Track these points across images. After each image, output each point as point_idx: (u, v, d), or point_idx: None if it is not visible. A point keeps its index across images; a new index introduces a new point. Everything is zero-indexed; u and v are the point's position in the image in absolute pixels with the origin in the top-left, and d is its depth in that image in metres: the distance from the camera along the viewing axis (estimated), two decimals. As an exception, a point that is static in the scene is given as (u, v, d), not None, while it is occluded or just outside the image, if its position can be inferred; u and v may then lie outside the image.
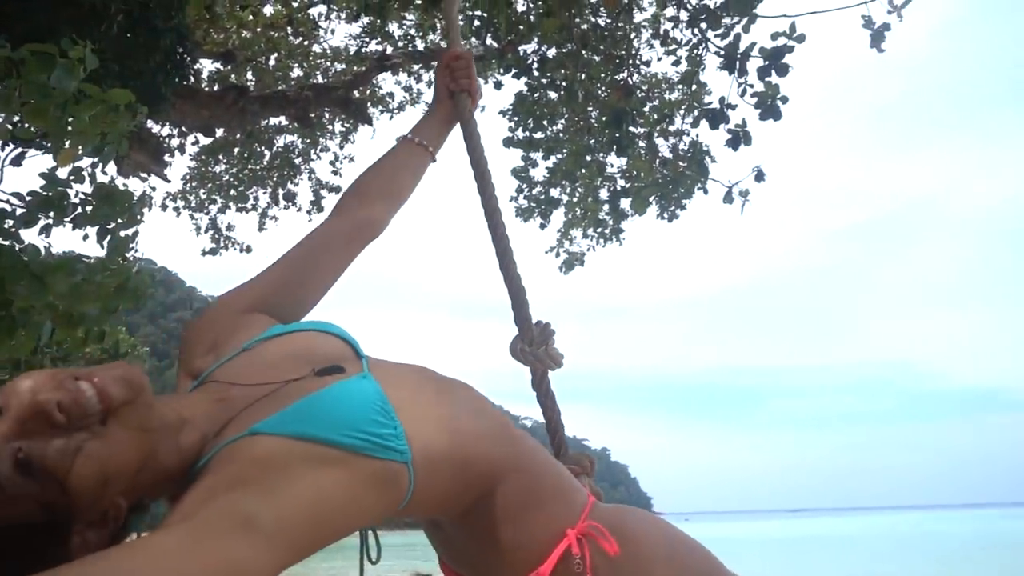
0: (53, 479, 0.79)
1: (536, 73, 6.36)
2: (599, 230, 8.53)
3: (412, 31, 9.16)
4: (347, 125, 10.66)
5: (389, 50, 9.30)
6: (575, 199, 8.37)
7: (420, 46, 9.17)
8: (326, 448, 0.87)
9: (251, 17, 8.70)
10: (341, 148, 10.87)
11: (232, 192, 10.60)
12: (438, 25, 8.81)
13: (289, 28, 9.18)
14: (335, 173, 10.94)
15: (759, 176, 5.72)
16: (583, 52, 6.25)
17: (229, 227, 10.86)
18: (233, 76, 9.37)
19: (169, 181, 9.18)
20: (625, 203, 7.77)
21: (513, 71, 6.47)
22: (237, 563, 0.74)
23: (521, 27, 6.07)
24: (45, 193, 2.68)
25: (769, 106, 4.91)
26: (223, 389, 1.00)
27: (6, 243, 2.58)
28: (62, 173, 2.70)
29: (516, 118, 7.33)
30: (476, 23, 8.12)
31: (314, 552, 0.85)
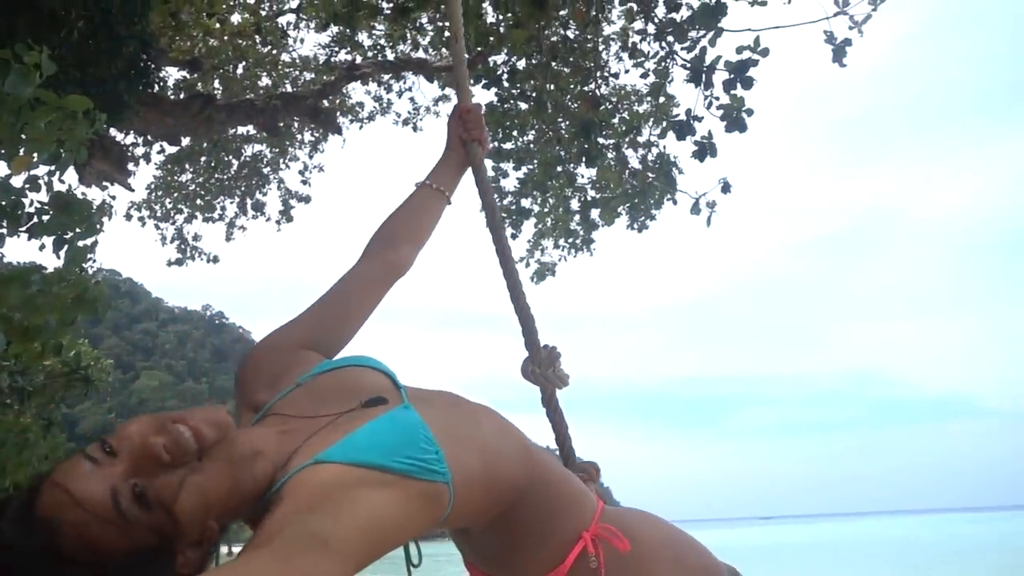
0: (163, 509, 0.95)
1: (506, 84, 6.38)
2: (570, 240, 8.56)
3: (382, 41, 9.13)
4: (316, 135, 10.58)
5: (359, 60, 9.27)
6: (546, 210, 8.39)
7: (390, 56, 9.15)
8: (381, 473, 1.01)
9: (218, 25, 8.60)
10: (310, 157, 10.78)
11: (199, 201, 10.43)
12: (408, 35, 8.81)
13: (257, 37, 9.09)
14: (304, 183, 10.85)
15: (725, 188, 5.79)
16: (552, 64, 6.29)
17: (196, 237, 10.69)
18: (200, 84, 9.24)
19: (133, 190, 9.01)
20: (596, 214, 7.81)
21: (483, 82, 6.48)
22: (316, 575, 0.87)
23: (491, 38, 6.09)
24: (-1, 202, 2.60)
25: (735, 118, 4.98)
26: (285, 421, 1.14)
27: (-43, 253, 2.50)
28: (16, 181, 2.63)
29: (486, 128, 7.32)
30: (446, 34, 8.15)
31: (374, 561, 0.97)
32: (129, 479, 0.94)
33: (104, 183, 8.78)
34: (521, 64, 6.40)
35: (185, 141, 9.52)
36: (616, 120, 7.11)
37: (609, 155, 6.94)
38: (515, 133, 7.34)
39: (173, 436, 0.96)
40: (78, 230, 2.70)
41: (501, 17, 5.84)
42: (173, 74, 9.09)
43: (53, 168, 2.72)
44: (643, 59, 6.21)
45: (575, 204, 8.04)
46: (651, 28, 5.87)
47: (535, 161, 7.41)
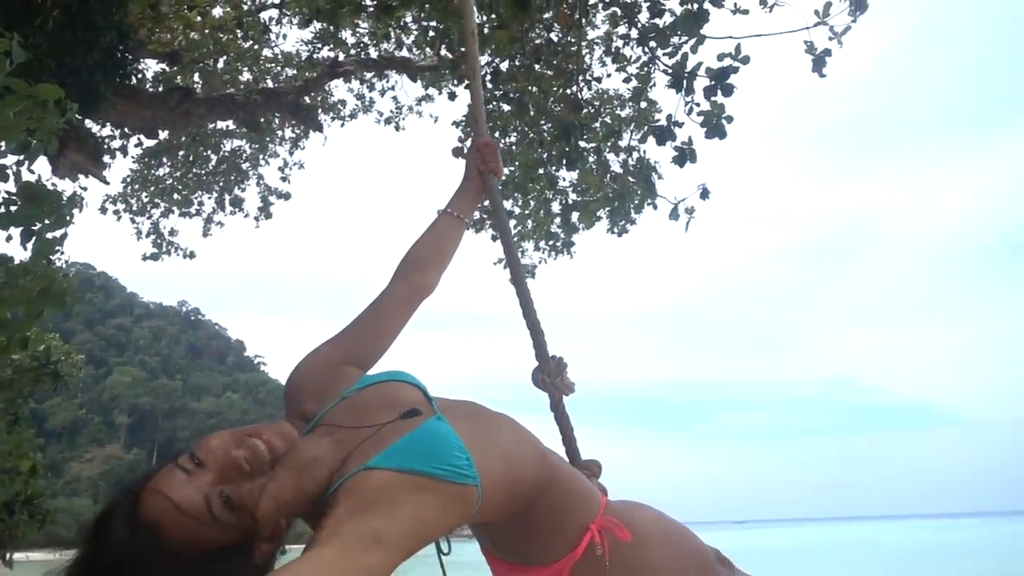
0: (246, 511, 1.13)
1: (489, 85, 6.37)
2: (550, 243, 8.57)
3: (365, 39, 9.08)
4: (297, 131, 10.49)
5: (341, 57, 9.20)
6: (527, 212, 8.39)
7: (373, 54, 9.10)
8: (422, 478, 1.18)
9: (199, 18, 8.49)
10: (291, 154, 10.69)
11: (176, 196, 10.30)
12: (391, 34, 8.76)
13: (239, 31, 8.99)
14: (284, 179, 10.75)
15: (704, 194, 5.83)
16: (535, 66, 6.28)
17: (172, 232, 10.55)
18: (179, 78, 9.12)
19: (108, 183, 8.86)
20: (576, 216, 7.82)
21: (466, 82, 6.46)
22: (372, 567, 1.05)
23: (474, 39, 6.07)
24: (-35, 191, 2.54)
25: (715, 125, 5.00)
26: (336, 431, 1.30)
27: (-80, 243, 2.43)
28: (-16, 171, 2.56)
29: (468, 129, 7.32)
30: (431, 34, 8.11)
31: (415, 553, 1.15)
32: (217, 487, 1.12)
33: (79, 175, 8.63)
34: (504, 65, 6.39)
35: (163, 135, 9.39)
36: (598, 124, 7.13)
37: (590, 159, 6.95)
38: (497, 135, 7.33)
39: (251, 449, 1.16)
40: (47, 221, 2.64)
41: (485, 18, 5.83)
42: (152, 66, 8.97)
43: (22, 158, 2.67)
44: (626, 63, 6.23)
45: (556, 207, 8.05)
46: (634, 33, 5.89)
47: (516, 163, 7.40)
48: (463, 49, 6.20)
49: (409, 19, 8.44)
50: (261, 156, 10.57)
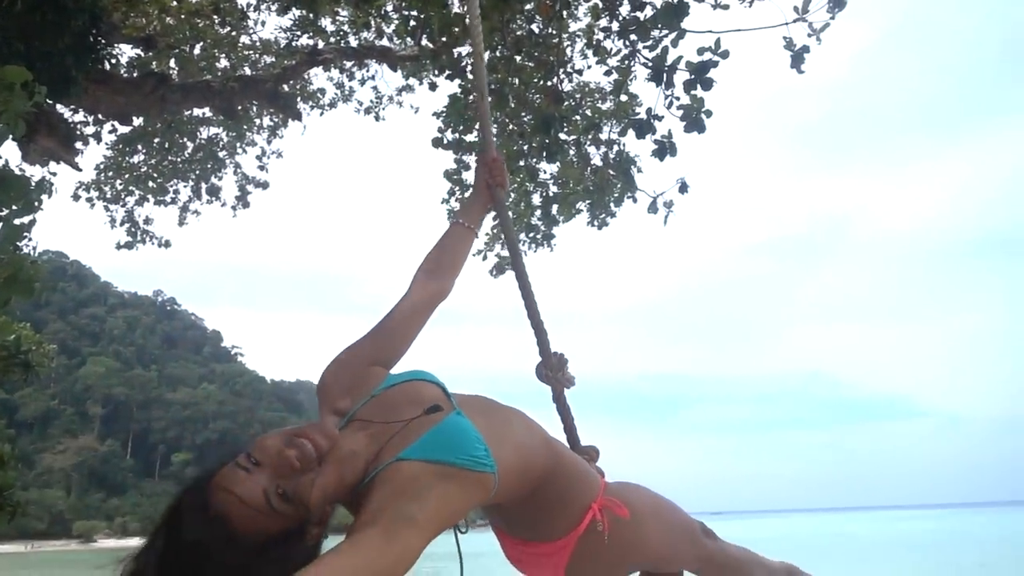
0: (301, 503, 1.31)
1: (469, 75, 6.32)
2: (531, 235, 8.56)
3: (345, 27, 8.97)
4: (275, 120, 10.36)
5: (320, 45, 9.09)
6: (507, 204, 8.36)
7: (353, 42, 9.00)
8: (448, 467, 1.36)
9: (175, 3, 8.34)
10: (269, 143, 10.56)
11: (151, 184, 10.12)
12: (372, 23, 8.67)
13: (216, 17, 8.85)
14: (262, 168, 10.62)
15: (683, 188, 5.84)
16: (516, 57, 6.25)
17: (147, 220, 10.37)
18: (154, 63, 8.96)
19: (80, 170, 8.69)
20: (556, 209, 7.81)
21: (447, 73, 6.41)
22: (409, 547, 1.23)
23: (455, 28, 6.02)
24: (-72, 176, 2.47)
25: (694, 119, 5.01)
26: (368, 426, 1.47)
27: None
28: (-51, 155, 2.50)
29: (448, 120, 7.27)
30: (411, 23, 8.03)
31: (442, 532, 1.33)
32: (273, 482, 1.29)
33: (50, 161, 8.46)
34: (485, 56, 6.35)
35: (137, 121, 9.22)
36: (578, 116, 7.12)
37: (571, 151, 6.94)
38: (477, 126, 7.29)
39: (301, 449, 1.33)
40: (14, 207, 2.58)
41: (465, 7, 5.78)
42: (126, 51, 8.80)
43: (-12, 142, 2.59)
44: (606, 56, 6.22)
45: (536, 199, 8.03)
46: (615, 26, 5.88)
47: (497, 154, 7.36)
48: (444, 39, 6.16)
49: (390, 8, 8.36)
50: (238, 144, 10.43)
